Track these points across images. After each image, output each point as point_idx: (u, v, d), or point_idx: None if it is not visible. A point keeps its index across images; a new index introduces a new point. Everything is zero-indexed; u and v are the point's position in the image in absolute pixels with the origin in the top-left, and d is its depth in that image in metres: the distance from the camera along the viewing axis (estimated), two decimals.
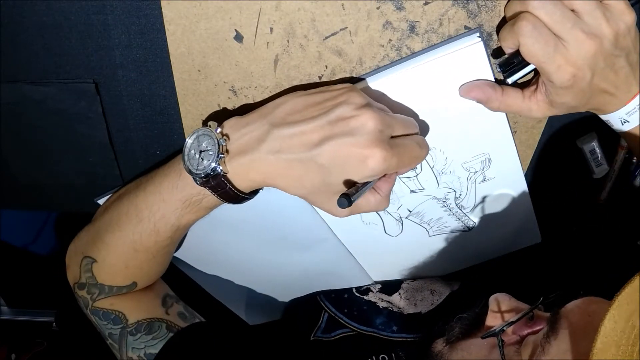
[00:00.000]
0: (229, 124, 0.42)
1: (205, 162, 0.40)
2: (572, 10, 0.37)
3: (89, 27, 0.46)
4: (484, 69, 0.43)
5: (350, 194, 0.36)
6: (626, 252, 0.62)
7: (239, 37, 0.45)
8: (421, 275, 0.63)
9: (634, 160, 0.54)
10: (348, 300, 0.60)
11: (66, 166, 0.56)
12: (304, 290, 0.66)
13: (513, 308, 0.41)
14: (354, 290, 0.60)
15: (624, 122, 0.42)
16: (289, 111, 0.40)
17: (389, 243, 0.57)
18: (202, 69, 0.47)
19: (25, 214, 0.87)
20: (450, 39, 0.44)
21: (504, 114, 0.46)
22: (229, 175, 0.40)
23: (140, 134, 0.52)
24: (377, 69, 0.46)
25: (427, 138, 0.47)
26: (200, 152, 0.41)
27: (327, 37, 0.45)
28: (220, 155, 0.40)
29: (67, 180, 0.56)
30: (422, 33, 0.44)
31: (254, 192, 0.44)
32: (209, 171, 0.40)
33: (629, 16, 0.38)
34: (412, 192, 0.53)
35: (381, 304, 0.58)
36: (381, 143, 0.37)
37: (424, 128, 0.47)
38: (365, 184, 0.39)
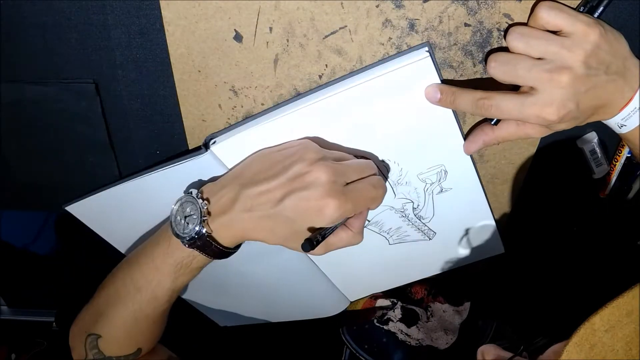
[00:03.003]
0: (207, 189, 0.46)
1: (190, 225, 0.44)
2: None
3: (89, 27, 0.46)
4: (433, 82, 0.44)
5: (312, 239, 0.41)
6: (626, 252, 0.62)
7: (238, 37, 0.45)
8: (389, 285, 0.65)
9: (635, 161, 0.54)
10: (368, 332, 0.60)
11: (66, 166, 0.56)
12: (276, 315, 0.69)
13: (497, 358, 0.42)
14: (375, 321, 0.61)
15: (621, 126, 0.43)
16: (255, 171, 0.45)
17: (351, 252, 0.58)
18: (202, 69, 0.47)
19: (25, 214, 0.87)
20: (399, 53, 0.45)
21: (456, 125, 0.47)
22: (213, 235, 0.45)
23: (140, 134, 0.53)
24: (326, 84, 0.46)
25: (381, 149, 0.49)
26: (185, 217, 0.45)
27: (326, 36, 0.45)
28: (203, 218, 0.44)
29: (67, 180, 0.56)
30: (421, 31, 0.44)
31: (238, 246, 0.48)
32: (194, 234, 0.44)
33: (592, 34, 0.38)
34: None
35: (400, 336, 0.59)
36: (334, 193, 0.41)
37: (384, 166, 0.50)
38: (328, 228, 0.43)
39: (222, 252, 0.46)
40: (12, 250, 0.86)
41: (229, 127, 0.49)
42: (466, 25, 0.44)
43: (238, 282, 0.62)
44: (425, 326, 0.61)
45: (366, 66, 0.46)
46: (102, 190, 0.53)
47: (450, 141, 0.49)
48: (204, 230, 0.44)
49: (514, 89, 0.41)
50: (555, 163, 0.55)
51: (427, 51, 0.43)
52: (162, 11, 0.44)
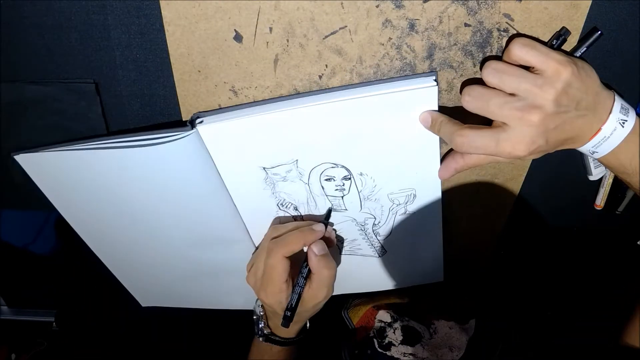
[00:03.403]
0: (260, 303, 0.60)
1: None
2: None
3: (89, 27, 0.46)
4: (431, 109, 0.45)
5: (284, 318, 0.52)
6: (626, 252, 0.62)
7: (238, 37, 0.45)
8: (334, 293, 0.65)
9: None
10: (371, 358, 0.61)
11: None
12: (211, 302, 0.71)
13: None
14: (377, 346, 0.61)
15: (593, 152, 0.44)
16: None
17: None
18: (202, 70, 0.47)
19: (25, 214, 0.87)
20: (406, 76, 0.46)
21: (438, 156, 0.49)
22: (274, 331, 0.59)
23: None
24: (330, 89, 0.47)
25: (362, 162, 0.50)
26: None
27: (326, 36, 0.45)
28: (260, 323, 0.60)
29: None
30: (422, 31, 0.44)
31: (301, 332, 0.60)
32: (258, 333, 0.60)
33: (564, 73, 0.38)
34: (334, 210, 0.55)
35: (403, 359, 0.60)
36: (255, 292, 0.55)
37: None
38: (290, 300, 0.52)
39: (284, 341, 0.60)
40: (12, 250, 0.86)
41: (220, 110, 0.49)
42: (466, 25, 0.44)
43: (176, 262, 0.63)
44: (429, 343, 0.61)
45: (372, 81, 0.46)
46: (64, 149, 0.49)
47: (428, 169, 0.50)
48: (266, 331, 0.60)
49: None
50: (554, 163, 0.55)
51: (434, 80, 0.44)
52: (162, 11, 0.44)
